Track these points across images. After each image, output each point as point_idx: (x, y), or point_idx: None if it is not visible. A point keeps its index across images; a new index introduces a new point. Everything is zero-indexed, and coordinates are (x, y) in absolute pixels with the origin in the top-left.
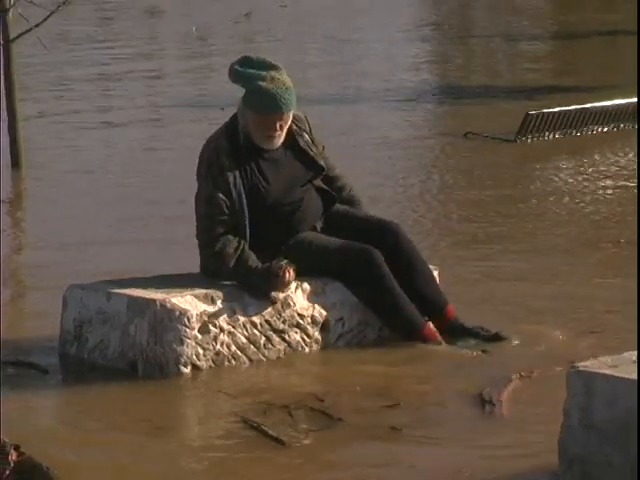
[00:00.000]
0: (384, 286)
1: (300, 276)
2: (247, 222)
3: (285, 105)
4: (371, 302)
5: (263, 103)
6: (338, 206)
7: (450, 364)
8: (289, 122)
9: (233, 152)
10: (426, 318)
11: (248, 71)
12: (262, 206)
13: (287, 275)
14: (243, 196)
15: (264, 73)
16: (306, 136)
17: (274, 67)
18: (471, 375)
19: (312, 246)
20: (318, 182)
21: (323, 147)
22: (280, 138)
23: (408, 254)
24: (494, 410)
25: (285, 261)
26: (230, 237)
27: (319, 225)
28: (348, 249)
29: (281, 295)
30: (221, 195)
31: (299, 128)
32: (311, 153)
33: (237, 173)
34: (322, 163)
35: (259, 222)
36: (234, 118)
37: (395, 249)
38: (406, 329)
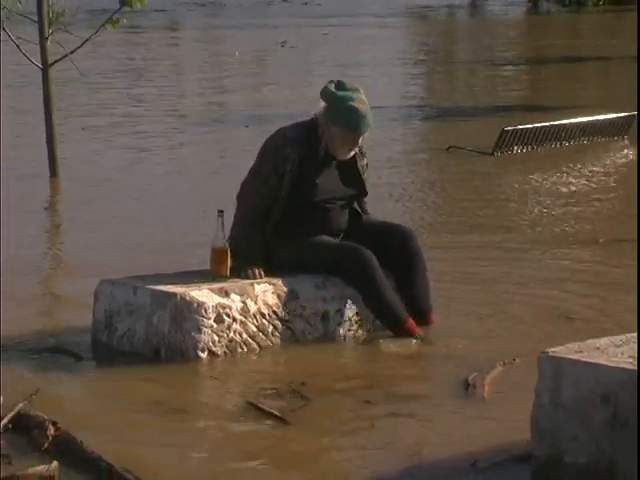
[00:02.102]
0: (374, 283)
1: (302, 272)
2: (282, 209)
3: (369, 125)
4: (362, 296)
5: (355, 121)
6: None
7: (440, 354)
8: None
9: (301, 148)
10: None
11: (341, 93)
12: (299, 202)
13: (250, 276)
14: (289, 187)
15: (354, 95)
16: (365, 160)
17: (359, 90)
18: (458, 363)
19: (312, 244)
20: (357, 205)
21: (367, 164)
22: (354, 152)
23: (415, 259)
24: (475, 392)
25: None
26: (258, 216)
27: (339, 236)
28: (342, 248)
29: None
30: (274, 178)
31: (361, 153)
32: (363, 176)
33: (295, 166)
34: (367, 189)
35: (291, 214)
36: (315, 121)
37: (405, 251)
38: (391, 322)
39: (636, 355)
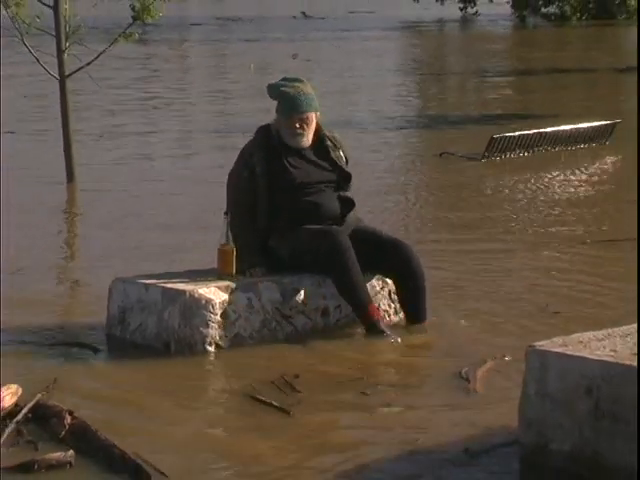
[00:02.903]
0: (343, 265)
1: (298, 260)
2: (267, 200)
3: (302, 106)
4: (332, 278)
5: (287, 105)
6: (366, 225)
7: (434, 349)
8: (312, 123)
9: (264, 145)
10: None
11: (278, 83)
12: (282, 190)
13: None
14: (266, 177)
15: (289, 84)
16: (340, 152)
17: (298, 80)
18: (450, 358)
19: (299, 231)
20: (342, 191)
21: (345, 158)
22: (305, 137)
23: (415, 273)
24: (469, 385)
25: (259, 272)
26: (246, 213)
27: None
28: (320, 230)
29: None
30: (246, 173)
31: (334, 145)
32: (339, 163)
33: (264, 157)
34: (350, 172)
35: (278, 204)
36: (265, 126)
37: (406, 267)
38: (354, 305)
39: (617, 349)
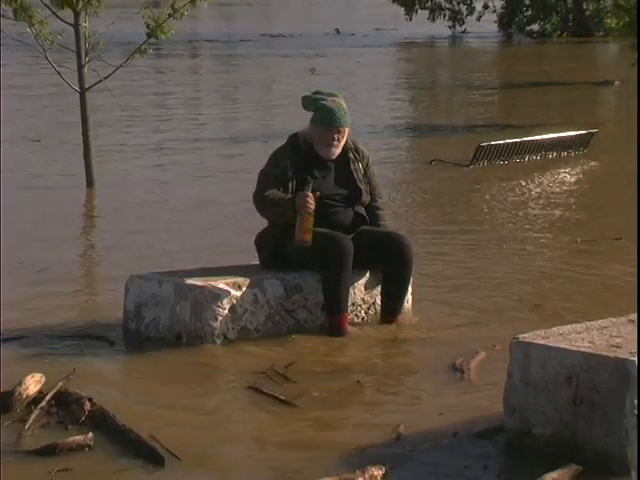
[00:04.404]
0: (338, 269)
1: (307, 263)
2: None
3: (340, 120)
4: (322, 276)
5: (325, 118)
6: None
7: (426, 341)
8: (345, 137)
9: (294, 151)
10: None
11: (315, 96)
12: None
13: (309, 201)
14: (293, 181)
15: (327, 97)
16: (359, 165)
17: (334, 95)
18: (442, 349)
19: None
20: (357, 206)
21: (364, 170)
22: (336, 149)
23: (404, 267)
24: (463, 376)
25: (309, 191)
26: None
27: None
28: (327, 234)
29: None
30: (278, 172)
31: (355, 158)
32: (356, 177)
33: (293, 164)
34: (362, 188)
35: None
36: (294, 135)
37: (398, 258)
38: (330, 307)
39: (595, 341)
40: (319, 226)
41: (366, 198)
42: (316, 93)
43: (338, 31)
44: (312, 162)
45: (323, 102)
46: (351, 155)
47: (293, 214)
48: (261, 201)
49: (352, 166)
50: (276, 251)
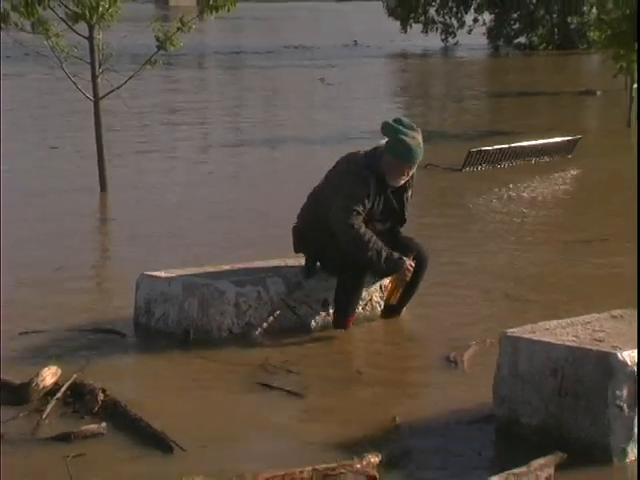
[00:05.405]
0: (360, 271)
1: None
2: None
3: (416, 159)
4: (341, 281)
5: (404, 154)
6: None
7: (425, 336)
8: (413, 171)
9: (371, 172)
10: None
11: (397, 126)
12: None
13: (410, 269)
14: (368, 204)
15: (409, 132)
16: (410, 192)
17: (414, 129)
18: (437, 342)
19: None
20: (397, 228)
21: (411, 195)
22: (404, 181)
23: (422, 273)
24: (457, 367)
25: (411, 259)
26: (363, 225)
27: None
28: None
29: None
30: (364, 195)
31: (409, 185)
32: (405, 204)
33: (371, 187)
34: (406, 215)
35: None
36: (374, 152)
37: (419, 266)
38: (341, 309)
39: (579, 335)
40: None
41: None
42: (397, 121)
43: (356, 43)
44: (381, 186)
45: (404, 137)
46: (409, 181)
47: (386, 272)
48: (354, 237)
49: (406, 194)
50: (315, 256)
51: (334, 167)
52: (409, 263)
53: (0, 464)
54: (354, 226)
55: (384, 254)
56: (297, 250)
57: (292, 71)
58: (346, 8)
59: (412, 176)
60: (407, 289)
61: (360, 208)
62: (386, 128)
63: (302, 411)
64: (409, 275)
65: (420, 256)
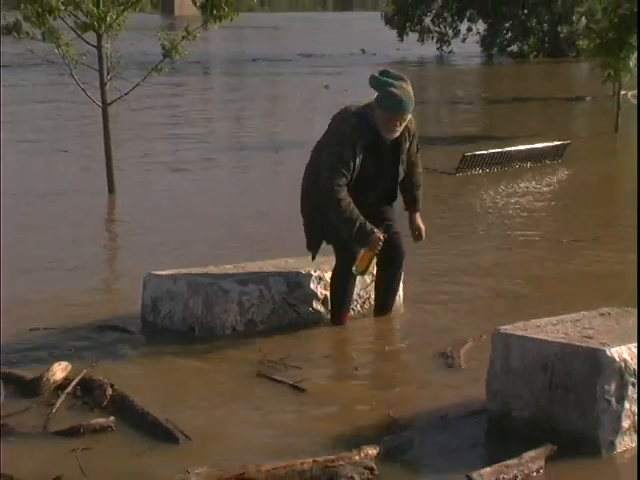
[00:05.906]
0: (347, 269)
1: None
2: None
3: (406, 108)
4: (332, 275)
5: (393, 105)
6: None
7: (421, 332)
8: (406, 121)
9: (360, 129)
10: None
11: (384, 79)
12: (357, 173)
13: (379, 242)
14: (357, 161)
15: (396, 83)
16: (407, 144)
17: (402, 79)
18: (433, 337)
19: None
20: (394, 182)
21: (418, 149)
22: (398, 132)
23: (396, 273)
24: (454, 363)
25: (382, 232)
26: (345, 188)
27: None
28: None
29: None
30: (348, 155)
31: (406, 138)
32: (400, 158)
33: (363, 145)
34: (402, 170)
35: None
36: (367, 107)
37: (391, 263)
38: (336, 305)
39: (569, 332)
40: (357, 195)
41: (402, 176)
42: (383, 74)
43: (364, 51)
44: (375, 141)
45: (392, 88)
46: (405, 134)
47: (358, 242)
48: (334, 203)
49: (402, 146)
50: (322, 234)
51: (329, 123)
52: (379, 236)
53: (0, 455)
54: (334, 187)
55: (357, 223)
56: (303, 213)
57: (299, 78)
58: (346, 17)
59: (410, 130)
60: (387, 288)
61: (344, 169)
62: (374, 81)
63: (303, 404)
64: (379, 247)
65: (397, 252)
